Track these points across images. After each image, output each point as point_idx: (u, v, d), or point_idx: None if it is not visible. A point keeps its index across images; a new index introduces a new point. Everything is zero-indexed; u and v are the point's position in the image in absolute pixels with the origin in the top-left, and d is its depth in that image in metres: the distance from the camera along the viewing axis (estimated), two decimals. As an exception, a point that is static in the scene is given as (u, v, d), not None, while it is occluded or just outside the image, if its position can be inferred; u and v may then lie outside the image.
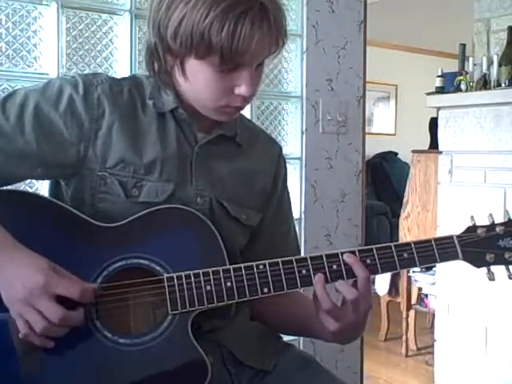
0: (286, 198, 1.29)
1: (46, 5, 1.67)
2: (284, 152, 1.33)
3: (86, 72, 1.72)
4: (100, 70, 1.76)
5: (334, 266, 1.05)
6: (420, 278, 3.61)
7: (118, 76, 1.69)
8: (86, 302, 0.97)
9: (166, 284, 1.02)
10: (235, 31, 0.96)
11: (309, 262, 1.05)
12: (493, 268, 1.09)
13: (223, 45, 0.96)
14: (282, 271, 1.04)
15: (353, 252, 1.05)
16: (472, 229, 1.09)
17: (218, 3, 0.96)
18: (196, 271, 1.02)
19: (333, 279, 1.05)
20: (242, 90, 1.03)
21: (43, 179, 1.33)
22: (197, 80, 1.04)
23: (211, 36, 0.96)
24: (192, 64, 1.02)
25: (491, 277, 1.08)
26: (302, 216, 2.19)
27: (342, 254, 1.05)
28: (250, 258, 1.07)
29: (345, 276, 1.05)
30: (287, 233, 1.29)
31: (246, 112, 1.92)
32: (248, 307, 1.25)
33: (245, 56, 0.99)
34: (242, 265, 1.04)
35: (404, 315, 3.69)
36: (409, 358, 3.66)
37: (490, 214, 1.09)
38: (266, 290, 1.04)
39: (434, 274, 3.30)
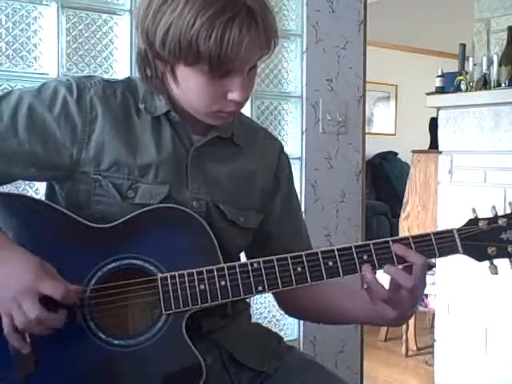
0: (293, 197, 1.28)
1: (46, 5, 1.67)
2: (284, 152, 1.32)
3: (85, 72, 1.72)
4: (100, 70, 1.76)
5: (330, 263, 1.04)
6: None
7: (118, 76, 1.70)
8: (69, 303, 0.97)
9: (159, 284, 1.01)
10: (223, 38, 0.94)
11: (304, 258, 1.04)
12: (495, 262, 1.06)
13: (211, 52, 0.95)
14: (276, 269, 1.03)
15: (348, 248, 1.05)
16: (473, 221, 1.06)
17: (205, 10, 0.94)
18: (190, 270, 1.02)
19: (328, 276, 1.04)
20: (234, 95, 1.02)
21: (37, 180, 1.33)
22: (188, 86, 1.03)
23: (199, 44, 0.95)
24: (182, 71, 1.01)
25: (494, 270, 1.05)
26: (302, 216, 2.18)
27: (338, 250, 1.04)
28: None
29: (341, 273, 1.04)
30: (298, 233, 1.28)
31: (246, 112, 1.92)
32: (248, 309, 1.25)
33: (235, 62, 0.98)
34: (236, 263, 1.04)
35: (404, 315, 3.68)
36: (409, 358, 3.66)
37: (493, 206, 1.06)
38: (260, 288, 1.03)
39: (433, 274, 3.30)
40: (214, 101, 1.04)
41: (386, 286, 1.04)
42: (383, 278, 1.04)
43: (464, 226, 1.07)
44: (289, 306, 1.28)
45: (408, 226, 3.54)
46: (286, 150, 1.30)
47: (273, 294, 1.25)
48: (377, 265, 1.04)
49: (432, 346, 3.11)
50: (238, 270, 1.03)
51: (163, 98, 1.10)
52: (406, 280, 1.01)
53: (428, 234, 1.06)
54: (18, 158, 1.05)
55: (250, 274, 1.03)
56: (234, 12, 0.95)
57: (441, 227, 2.93)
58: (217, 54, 0.95)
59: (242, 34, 0.96)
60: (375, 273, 1.04)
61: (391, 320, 1.06)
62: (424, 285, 1.04)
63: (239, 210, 1.16)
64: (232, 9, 0.95)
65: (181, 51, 0.97)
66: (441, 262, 2.95)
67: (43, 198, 1.19)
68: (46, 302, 0.95)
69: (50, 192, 1.14)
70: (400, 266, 1.04)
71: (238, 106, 1.07)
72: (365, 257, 1.04)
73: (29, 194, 1.57)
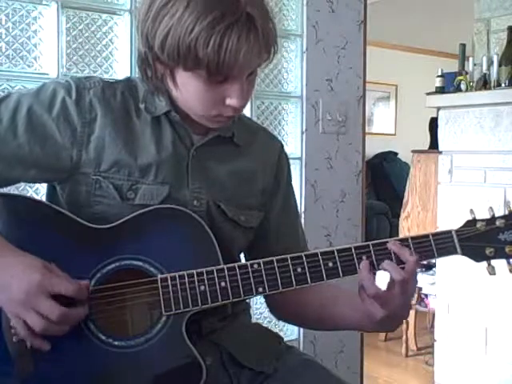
0: (291, 197, 1.28)
1: (46, 5, 1.67)
2: (284, 152, 1.31)
3: (85, 72, 1.72)
4: (100, 70, 1.76)
5: (330, 264, 1.04)
6: (420, 278, 3.61)
7: (118, 76, 1.70)
8: (81, 298, 0.97)
9: (159, 285, 1.01)
10: (221, 45, 0.94)
11: (304, 259, 1.04)
12: (493, 263, 1.06)
13: (210, 58, 0.95)
14: (276, 270, 1.03)
15: (348, 249, 1.04)
16: (471, 223, 1.07)
17: (204, 16, 0.94)
18: (190, 271, 1.02)
19: (328, 277, 1.04)
20: (232, 101, 1.02)
21: (37, 182, 1.32)
22: (187, 90, 1.03)
23: (197, 50, 0.94)
24: (181, 75, 1.01)
25: (492, 271, 1.05)
26: (302, 216, 2.18)
27: (338, 251, 1.04)
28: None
29: (340, 273, 1.04)
30: (295, 232, 1.28)
31: (246, 112, 1.92)
32: (248, 309, 1.25)
33: (233, 69, 0.98)
34: (236, 264, 1.03)
35: (404, 315, 3.68)
36: (409, 358, 3.66)
37: (491, 207, 1.07)
38: (260, 289, 1.03)
39: (433, 274, 3.30)
40: (213, 106, 1.04)
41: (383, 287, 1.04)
42: (381, 280, 1.04)
43: (462, 227, 1.07)
44: (282, 311, 1.27)
45: (408, 226, 3.54)
46: (286, 149, 1.30)
47: (265, 298, 1.25)
48: (376, 265, 1.05)
49: (432, 346, 3.11)
50: (238, 271, 1.03)
51: (164, 98, 1.10)
52: (397, 272, 1.02)
53: (427, 235, 1.06)
54: (17, 161, 1.05)
55: (250, 274, 1.03)
56: (233, 19, 0.94)
57: (441, 227, 2.93)
58: (215, 60, 0.95)
59: (241, 42, 0.95)
60: (374, 273, 1.05)
61: (379, 321, 1.05)
62: (415, 283, 1.05)
63: (240, 209, 1.16)
64: (231, 16, 0.94)
65: (179, 56, 0.97)
66: (441, 263, 2.95)
67: (43, 198, 1.19)
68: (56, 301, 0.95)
69: (51, 193, 1.14)
70: None
71: (237, 111, 1.07)
72: (364, 257, 1.04)
73: (28, 195, 1.57)
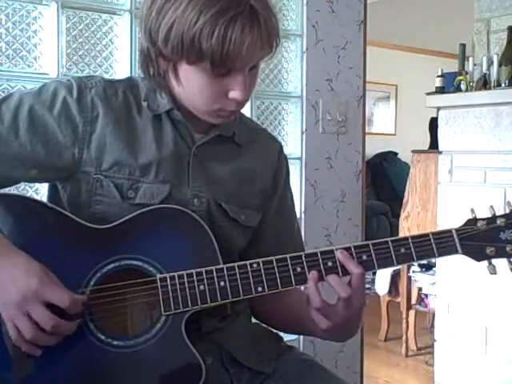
0: (288, 197, 1.28)
1: (46, 5, 1.67)
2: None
3: (85, 72, 1.72)
4: (100, 70, 1.76)
5: (329, 263, 1.03)
6: (420, 278, 3.61)
7: (118, 76, 1.70)
8: (74, 312, 0.97)
9: (158, 285, 1.01)
10: (225, 37, 0.95)
11: (303, 259, 1.04)
12: (494, 262, 1.05)
13: (213, 50, 0.95)
14: (276, 269, 1.03)
15: (348, 248, 1.04)
16: (472, 221, 1.06)
17: (208, 8, 0.95)
18: (189, 271, 1.02)
19: (328, 276, 1.04)
20: (235, 94, 1.03)
21: (38, 182, 1.32)
22: (190, 84, 1.04)
23: (201, 42, 0.95)
24: (185, 69, 1.02)
25: (492, 270, 1.04)
26: (302, 216, 2.19)
27: (337, 250, 1.04)
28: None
29: (340, 273, 1.03)
30: (290, 233, 1.28)
31: (246, 112, 1.92)
32: (249, 308, 1.25)
33: (236, 61, 0.98)
34: (235, 264, 1.03)
35: (404, 315, 3.69)
36: (409, 358, 3.66)
37: (491, 206, 1.06)
38: (260, 288, 1.03)
39: (433, 274, 3.30)
40: (215, 99, 1.04)
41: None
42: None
43: (463, 226, 1.06)
44: (257, 311, 1.26)
45: (408, 226, 3.54)
46: (286, 150, 1.30)
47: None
48: (376, 265, 1.04)
49: (432, 346, 3.11)
50: (237, 270, 1.03)
51: (166, 95, 1.10)
52: (342, 289, 1.00)
53: (427, 235, 1.05)
54: (19, 160, 1.05)
55: (250, 274, 1.03)
56: (236, 11, 0.95)
57: (441, 227, 2.93)
58: (219, 52, 0.96)
59: (244, 34, 0.96)
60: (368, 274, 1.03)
61: (324, 331, 1.04)
62: (362, 298, 1.03)
63: (240, 208, 1.16)
64: (235, 8, 0.95)
65: (183, 49, 0.97)
66: (441, 262, 2.95)
67: (44, 199, 1.19)
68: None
69: (53, 192, 1.14)
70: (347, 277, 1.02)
71: (239, 106, 1.07)
72: (364, 257, 1.04)
73: (28, 195, 1.57)
